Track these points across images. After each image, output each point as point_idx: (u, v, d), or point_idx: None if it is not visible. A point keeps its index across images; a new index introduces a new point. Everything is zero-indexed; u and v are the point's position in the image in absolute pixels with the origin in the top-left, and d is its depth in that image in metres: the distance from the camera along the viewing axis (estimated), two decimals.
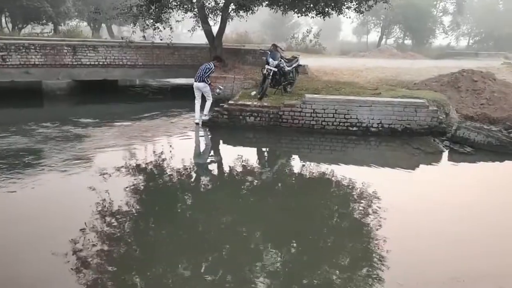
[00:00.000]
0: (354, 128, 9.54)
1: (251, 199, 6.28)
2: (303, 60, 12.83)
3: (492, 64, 19.18)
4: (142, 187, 6.31)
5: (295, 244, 4.86)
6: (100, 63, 14.44)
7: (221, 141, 9.63)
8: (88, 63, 14.30)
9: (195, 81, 10.02)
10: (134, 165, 7.27)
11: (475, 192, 6.69)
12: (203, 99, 10.20)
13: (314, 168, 7.75)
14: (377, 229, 5.21)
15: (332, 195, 6.55)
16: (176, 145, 8.83)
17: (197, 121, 10.12)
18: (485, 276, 4.32)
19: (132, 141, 8.75)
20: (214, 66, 10.10)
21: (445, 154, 8.53)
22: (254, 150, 8.98)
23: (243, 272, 4.24)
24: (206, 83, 9.95)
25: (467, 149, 8.59)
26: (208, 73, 9.94)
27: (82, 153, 7.74)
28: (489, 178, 7.56)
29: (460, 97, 11.55)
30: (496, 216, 5.78)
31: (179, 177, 6.87)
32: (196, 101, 10.19)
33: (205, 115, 10.09)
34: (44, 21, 27.12)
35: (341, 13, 14.23)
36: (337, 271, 4.30)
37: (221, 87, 10.73)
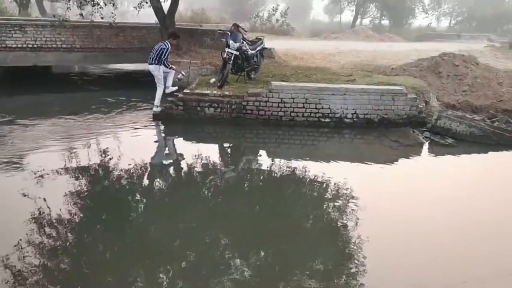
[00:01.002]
0: (327, 120, 9.77)
1: (213, 201, 6.35)
2: (268, 43, 12.96)
3: (475, 47, 20.09)
4: (85, 192, 6.25)
5: (264, 251, 4.98)
6: (29, 46, 14.11)
7: (176, 137, 9.63)
8: (15, 45, 13.93)
9: (148, 63, 10.02)
10: (75, 166, 7.17)
11: (458, 187, 7.05)
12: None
13: (283, 165, 7.89)
14: (353, 230, 5.41)
15: (303, 194, 6.73)
16: (123, 142, 8.75)
17: (155, 110, 10.11)
18: (476, 278, 4.61)
19: (70, 139, 8.64)
20: (170, 45, 10.05)
21: (425, 146, 8.91)
22: (215, 146, 9.05)
23: (207, 284, 4.32)
24: (160, 65, 9.93)
25: (449, 141, 9.00)
26: (165, 54, 9.92)
27: (11, 154, 7.57)
28: (473, 171, 7.97)
29: (441, 83, 12.05)
30: (481, 211, 6.13)
31: (128, 179, 6.84)
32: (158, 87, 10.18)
33: (156, 106, 10.06)
34: None
35: None
36: (312, 279, 4.46)
37: (183, 73, 10.70)
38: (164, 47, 9.95)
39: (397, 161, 8.20)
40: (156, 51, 9.89)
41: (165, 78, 10.13)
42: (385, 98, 9.74)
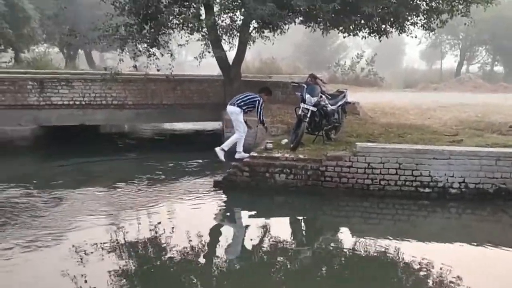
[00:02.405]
0: (427, 190, 9.57)
1: None
2: (352, 96, 13.13)
3: None
4: (131, 274, 6.45)
5: None
6: (77, 102, 15.12)
7: (240, 209, 9.81)
8: (61, 102, 14.97)
9: (229, 104, 10.81)
10: (122, 242, 7.48)
11: None
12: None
13: (370, 245, 7.74)
14: None
15: (397, 284, 6.53)
16: (178, 216, 9.03)
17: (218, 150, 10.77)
18: None
19: (118, 210, 9.02)
20: (261, 99, 10.94)
21: None
22: (287, 220, 9.09)
23: None
24: (242, 110, 10.85)
25: None
26: (257, 105, 10.88)
27: (52, 226, 8.00)
28: None
29: None
30: None
31: (183, 258, 6.98)
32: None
33: (222, 149, 10.76)
34: (2, 46, 28.22)
35: (404, 32, 14.66)
36: None
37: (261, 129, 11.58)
38: (256, 98, 10.88)
39: None
40: (245, 97, 10.82)
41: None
42: (502, 163, 9.44)
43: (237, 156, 10.70)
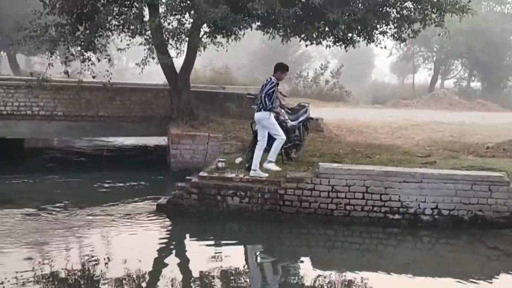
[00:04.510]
0: (396, 216, 9.70)
1: None
2: (315, 111, 13.29)
3: None
4: None
5: None
6: None
7: (187, 236, 9.75)
8: None
9: (255, 110, 10.28)
10: (48, 273, 7.33)
11: None
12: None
13: (335, 280, 7.79)
14: None
15: None
16: (114, 245, 8.93)
17: (253, 168, 10.12)
18: None
19: (45, 238, 8.82)
20: (275, 80, 10.18)
21: None
22: (241, 250, 9.11)
23: None
24: (270, 111, 10.06)
25: None
26: (270, 92, 10.03)
27: None
28: None
29: None
30: None
31: None
32: (258, 144, 10.25)
33: (270, 162, 10.23)
34: None
35: (373, 41, 14.95)
36: None
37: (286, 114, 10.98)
38: (266, 82, 10.16)
39: (497, 276, 8.00)
40: (264, 93, 10.05)
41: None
42: (479, 188, 9.66)
43: (252, 173, 10.12)
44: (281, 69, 10.39)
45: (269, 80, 10.14)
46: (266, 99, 9.99)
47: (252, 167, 10.07)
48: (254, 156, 10.14)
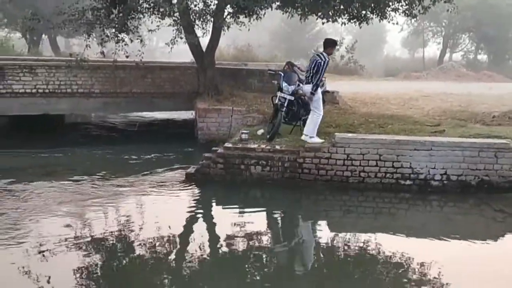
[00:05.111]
0: (408, 182, 9.65)
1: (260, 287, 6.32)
2: (331, 85, 13.16)
3: None
4: (97, 271, 6.39)
5: None
6: (40, 91, 14.84)
7: (213, 203, 9.76)
8: (22, 90, 14.68)
9: (304, 83, 10.28)
10: (88, 237, 7.38)
11: None
12: None
13: (350, 240, 7.80)
14: None
15: (377, 282, 6.56)
16: (147, 211, 8.96)
17: (311, 135, 10.12)
18: None
19: (84, 203, 8.91)
20: (326, 57, 9.97)
21: None
22: (263, 215, 9.08)
23: None
24: (314, 86, 9.95)
25: None
26: (322, 70, 9.87)
27: (13, 221, 7.88)
28: None
29: None
30: None
31: (151, 257, 6.91)
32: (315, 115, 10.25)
33: (309, 136, 10.07)
34: None
35: (385, 18, 14.70)
36: None
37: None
38: (320, 60, 9.93)
39: (503, 237, 7.92)
40: (312, 68, 9.96)
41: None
42: (485, 154, 9.55)
43: (310, 140, 10.02)
44: (331, 44, 10.30)
45: (323, 58, 9.92)
46: (316, 75, 9.88)
47: (310, 135, 10.03)
48: (312, 126, 10.09)
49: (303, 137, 10.17)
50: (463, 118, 13.44)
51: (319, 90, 10.15)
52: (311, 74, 9.98)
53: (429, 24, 47.25)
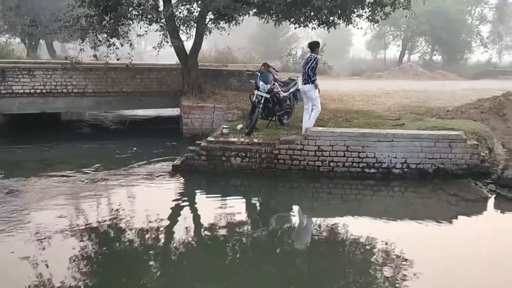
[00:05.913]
0: (372, 170, 9.70)
1: (239, 268, 6.27)
2: None
3: None
4: (92, 257, 6.30)
5: None
6: (38, 91, 14.65)
7: (197, 191, 9.68)
8: (21, 91, 14.47)
9: (302, 83, 10.28)
10: (83, 226, 7.28)
11: None
12: None
13: (321, 224, 7.81)
14: None
15: (345, 259, 6.58)
16: (137, 199, 8.90)
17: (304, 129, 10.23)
18: None
19: (79, 195, 8.81)
20: (316, 56, 10.12)
21: (491, 201, 8.67)
22: (242, 202, 9.02)
23: None
24: (311, 83, 10.02)
25: None
26: (314, 67, 9.93)
27: (13, 213, 7.74)
28: None
29: (506, 127, 11.84)
30: None
31: (141, 241, 6.85)
32: (304, 110, 10.42)
33: (306, 129, 10.11)
34: None
35: (351, 23, 14.71)
36: None
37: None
38: (310, 58, 10.02)
39: (456, 218, 7.97)
40: (307, 68, 9.98)
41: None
42: (441, 145, 9.63)
43: (307, 125, 10.20)
44: (316, 45, 10.39)
45: (311, 57, 10.01)
46: (311, 73, 9.93)
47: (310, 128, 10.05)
48: (313, 121, 10.25)
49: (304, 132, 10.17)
50: (421, 113, 13.51)
51: (316, 91, 10.20)
52: (308, 74, 9.98)
53: (389, 28, 47.43)
